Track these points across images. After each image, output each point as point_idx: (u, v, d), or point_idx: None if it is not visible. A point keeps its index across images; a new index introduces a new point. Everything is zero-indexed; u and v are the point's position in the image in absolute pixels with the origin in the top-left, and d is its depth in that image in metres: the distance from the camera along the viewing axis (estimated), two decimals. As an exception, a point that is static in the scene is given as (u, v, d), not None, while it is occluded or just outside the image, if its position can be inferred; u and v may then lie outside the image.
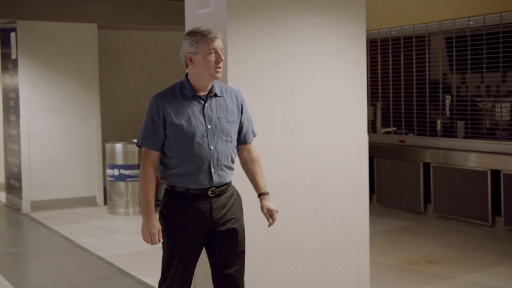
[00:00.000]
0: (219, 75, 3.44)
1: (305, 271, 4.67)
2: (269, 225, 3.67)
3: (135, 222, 8.41)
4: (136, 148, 9.01)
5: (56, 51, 9.55)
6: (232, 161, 3.55)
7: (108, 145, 9.17)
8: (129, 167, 8.97)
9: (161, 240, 3.45)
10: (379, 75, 9.37)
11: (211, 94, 3.49)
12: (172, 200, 3.49)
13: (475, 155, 7.83)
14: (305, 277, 4.68)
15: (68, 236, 7.68)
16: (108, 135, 10.24)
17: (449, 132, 8.38)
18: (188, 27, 4.88)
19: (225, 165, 3.49)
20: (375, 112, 9.51)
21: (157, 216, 3.51)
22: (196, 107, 3.45)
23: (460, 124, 8.29)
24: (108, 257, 6.63)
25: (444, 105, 8.53)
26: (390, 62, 9.21)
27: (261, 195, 3.65)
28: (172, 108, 3.42)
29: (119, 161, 9.00)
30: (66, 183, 9.60)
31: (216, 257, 3.55)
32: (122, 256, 6.72)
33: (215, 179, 3.44)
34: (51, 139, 9.52)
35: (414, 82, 8.82)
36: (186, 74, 3.52)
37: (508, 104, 7.75)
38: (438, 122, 8.58)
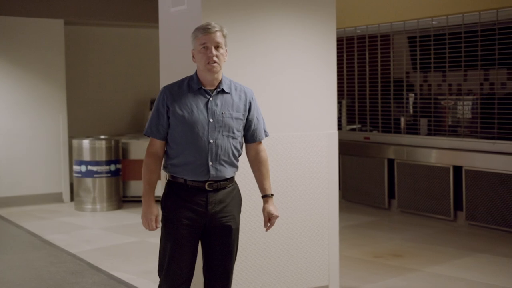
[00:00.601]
0: (214, 70, 3.48)
1: (275, 264, 4.77)
2: (267, 230, 3.74)
3: (103, 218, 8.43)
4: (104, 144, 9.03)
5: (22, 47, 9.48)
6: (235, 157, 3.60)
7: (75, 141, 9.15)
8: (97, 163, 8.96)
9: (159, 226, 3.53)
10: (345, 73, 9.53)
11: (218, 89, 3.55)
12: (171, 191, 3.58)
13: (438, 152, 8.03)
14: (276, 271, 4.78)
15: (35, 232, 7.65)
16: (75, 131, 10.22)
17: (412, 129, 8.57)
18: (162, 24, 4.95)
19: (224, 160, 3.54)
20: (340, 110, 9.66)
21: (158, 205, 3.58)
22: (201, 100, 3.53)
23: (423, 122, 8.50)
24: (77, 252, 6.64)
25: (407, 103, 8.72)
26: (356, 61, 9.38)
27: (264, 196, 3.71)
28: (177, 99, 3.51)
29: (86, 157, 8.98)
30: (32, 180, 9.55)
31: (208, 251, 3.62)
32: (91, 252, 6.74)
33: (212, 172, 3.51)
34: (17, 135, 9.46)
35: (379, 80, 9.00)
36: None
37: (470, 102, 7.97)
38: (402, 119, 8.78)
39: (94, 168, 8.96)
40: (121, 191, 9.31)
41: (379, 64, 9.00)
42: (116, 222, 8.20)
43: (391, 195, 8.68)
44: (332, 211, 5.04)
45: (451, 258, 6.34)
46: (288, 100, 4.80)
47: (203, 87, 3.54)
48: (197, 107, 3.50)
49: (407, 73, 8.76)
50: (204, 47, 3.47)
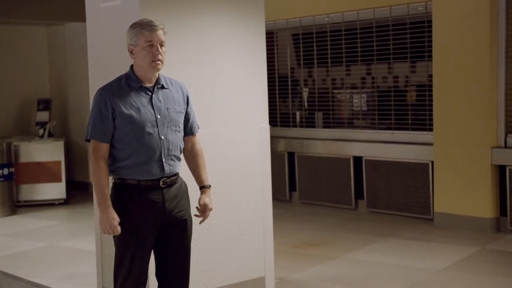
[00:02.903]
0: (159, 67, 3.47)
1: (213, 259, 4.79)
2: (200, 222, 3.74)
3: (3, 224, 8.02)
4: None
5: None
6: (181, 151, 3.61)
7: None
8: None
9: (119, 231, 3.43)
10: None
11: (158, 85, 3.53)
12: (123, 193, 3.48)
13: (338, 144, 8.35)
14: (213, 265, 4.81)
15: None
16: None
17: (311, 122, 8.85)
18: (90, 21, 4.83)
19: (174, 155, 3.54)
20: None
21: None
22: (144, 98, 3.48)
23: (319, 115, 8.81)
24: (-14, 261, 6.32)
25: (302, 97, 9.01)
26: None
27: (202, 187, 3.73)
28: (120, 99, 3.42)
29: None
30: None
31: (163, 249, 3.58)
32: (2, 259, 6.41)
33: (166, 169, 3.48)
34: None
35: (276, 76, 9.19)
36: (132, 66, 3.53)
37: (365, 95, 8.35)
38: (298, 113, 9.04)
39: (-10, 173, 8.53)
40: (15, 195, 8.91)
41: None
42: (15, 228, 7.82)
43: (292, 187, 8.91)
44: (266, 203, 5.14)
45: (364, 244, 6.63)
46: (220, 95, 4.83)
47: (143, 85, 3.51)
48: (142, 105, 3.46)
49: (292, 69, 9.06)
50: (149, 44, 3.43)
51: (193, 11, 4.63)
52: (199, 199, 3.70)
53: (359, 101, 8.37)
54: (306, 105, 8.99)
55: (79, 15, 9.79)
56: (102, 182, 3.43)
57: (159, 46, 3.44)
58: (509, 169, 6.77)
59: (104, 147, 3.46)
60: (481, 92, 6.86)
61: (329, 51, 8.50)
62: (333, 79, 8.65)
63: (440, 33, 7.13)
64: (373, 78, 8.19)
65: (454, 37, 7.02)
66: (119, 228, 3.42)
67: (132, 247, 3.48)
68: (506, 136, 6.88)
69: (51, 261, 6.40)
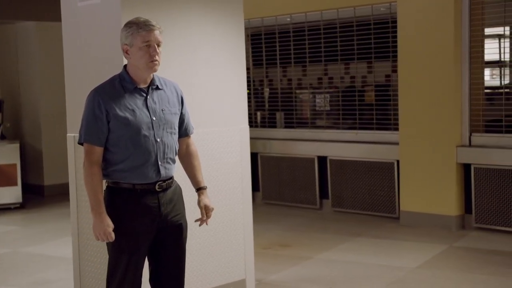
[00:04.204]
0: (156, 68, 3.38)
1: (194, 262, 4.72)
2: (201, 224, 3.67)
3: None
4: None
5: None
6: (176, 154, 3.53)
7: None
8: None
9: (114, 238, 3.32)
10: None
11: (153, 86, 3.44)
12: (117, 198, 3.38)
13: (302, 144, 8.35)
14: (194, 268, 4.74)
15: None
16: None
17: (272, 122, 8.84)
18: (66, 20, 4.68)
19: (170, 158, 3.46)
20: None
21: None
22: (138, 100, 3.38)
23: (281, 115, 8.80)
24: None
25: (264, 97, 9.00)
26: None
27: (199, 189, 3.65)
28: (114, 101, 3.32)
29: None
30: None
31: (159, 255, 3.49)
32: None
33: (162, 172, 3.40)
34: None
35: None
36: (125, 66, 3.43)
37: (329, 96, 8.38)
38: (259, 114, 9.02)
39: None
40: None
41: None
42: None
43: (255, 188, 8.87)
44: (246, 205, 5.09)
45: (335, 243, 6.64)
46: (200, 96, 4.76)
47: (137, 86, 3.41)
48: (137, 107, 3.37)
49: (254, 68, 9.05)
50: (147, 45, 3.34)
51: (174, 11, 4.54)
52: (199, 202, 3.63)
53: (323, 100, 8.40)
54: (267, 105, 8.98)
55: (33, 14, 9.66)
56: (96, 188, 3.32)
57: (156, 47, 3.35)
58: (474, 167, 6.89)
59: (98, 151, 3.35)
60: (445, 91, 6.97)
61: (292, 51, 8.50)
62: (297, 79, 8.66)
63: (404, 33, 7.21)
64: (336, 78, 8.23)
65: (418, 37, 7.11)
66: (113, 235, 3.32)
67: (127, 253, 3.39)
68: (470, 135, 7.01)
69: (18, 267, 6.19)
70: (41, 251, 6.74)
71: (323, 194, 8.24)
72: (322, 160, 8.19)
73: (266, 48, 8.83)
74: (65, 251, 6.64)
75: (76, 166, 4.62)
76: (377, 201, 7.70)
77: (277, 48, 8.68)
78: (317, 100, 8.48)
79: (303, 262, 6.01)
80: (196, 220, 3.65)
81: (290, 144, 8.48)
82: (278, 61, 8.72)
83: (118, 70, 4.19)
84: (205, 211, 3.63)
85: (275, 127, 8.80)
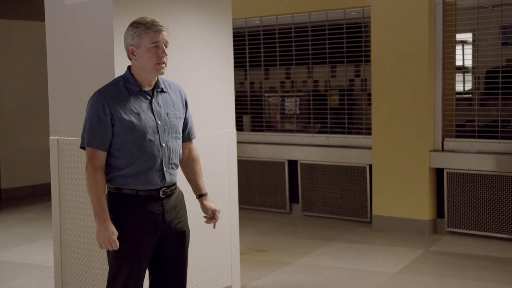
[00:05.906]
0: (163, 70, 3.26)
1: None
2: (214, 226, 3.59)
3: None
4: None
5: None
6: (179, 159, 3.42)
7: None
8: None
9: (118, 246, 3.18)
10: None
11: (158, 89, 3.31)
12: (120, 204, 3.25)
13: (273, 147, 8.28)
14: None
15: None
16: None
17: (239, 126, 8.75)
18: (50, 19, 4.51)
19: (174, 163, 3.35)
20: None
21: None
22: (143, 103, 3.26)
23: (248, 118, 8.72)
24: None
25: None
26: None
27: (201, 196, 3.55)
28: (119, 104, 3.18)
29: None
30: None
31: (161, 263, 3.37)
32: None
33: (167, 178, 3.29)
34: None
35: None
36: (129, 67, 3.29)
37: (298, 99, 8.34)
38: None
39: None
40: None
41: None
42: None
43: (223, 191, 8.76)
44: (233, 211, 4.99)
45: (311, 248, 6.60)
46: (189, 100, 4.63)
47: (142, 89, 3.29)
48: (142, 111, 3.25)
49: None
50: (155, 46, 3.22)
51: (163, 12, 4.42)
52: (204, 208, 3.55)
53: (293, 104, 8.35)
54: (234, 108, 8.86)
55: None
56: (100, 194, 3.18)
57: (164, 48, 3.23)
58: (447, 172, 6.95)
59: (102, 156, 3.21)
60: (419, 96, 7.01)
61: (262, 54, 8.44)
62: (267, 82, 8.59)
63: (378, 38, 7.22)
64: (307, 81, 8.20)
65: (392, 42, 7.13)
66: (117, 243, 3.19)
67: (129, 261, 3.26)
68: (443, 140, 7.06)
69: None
70: (9, 258, 6.48)
71: (293, 199, 8.19)
72: (293, 164, 8.14)
73: (236, 51, 8.72)
74: (34, 258, 6.42)
75: (59, 170, 4.45)
76: (349, 206, 7.69)
77: (247, 50, 8.60)
78: (287, 104, 8.43)
79: (283, 268, 5.94)
80: (207, 222, 3.56)
81: (259, 148, 8.40)
82: (247, 64, 8.64)
83: (108, 72, 4.07)
84: (213, 215, 3.54)
85: (241, 130, 8.71)
